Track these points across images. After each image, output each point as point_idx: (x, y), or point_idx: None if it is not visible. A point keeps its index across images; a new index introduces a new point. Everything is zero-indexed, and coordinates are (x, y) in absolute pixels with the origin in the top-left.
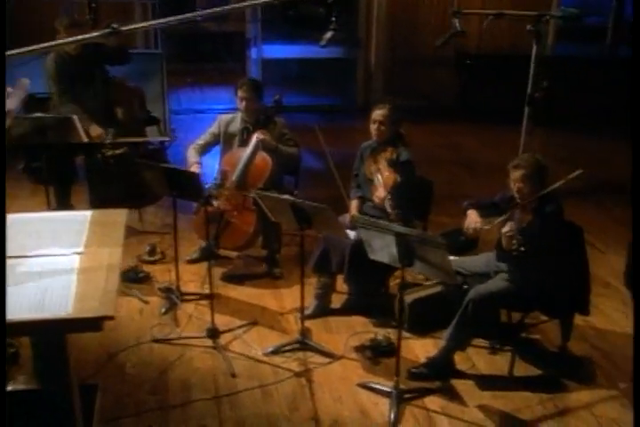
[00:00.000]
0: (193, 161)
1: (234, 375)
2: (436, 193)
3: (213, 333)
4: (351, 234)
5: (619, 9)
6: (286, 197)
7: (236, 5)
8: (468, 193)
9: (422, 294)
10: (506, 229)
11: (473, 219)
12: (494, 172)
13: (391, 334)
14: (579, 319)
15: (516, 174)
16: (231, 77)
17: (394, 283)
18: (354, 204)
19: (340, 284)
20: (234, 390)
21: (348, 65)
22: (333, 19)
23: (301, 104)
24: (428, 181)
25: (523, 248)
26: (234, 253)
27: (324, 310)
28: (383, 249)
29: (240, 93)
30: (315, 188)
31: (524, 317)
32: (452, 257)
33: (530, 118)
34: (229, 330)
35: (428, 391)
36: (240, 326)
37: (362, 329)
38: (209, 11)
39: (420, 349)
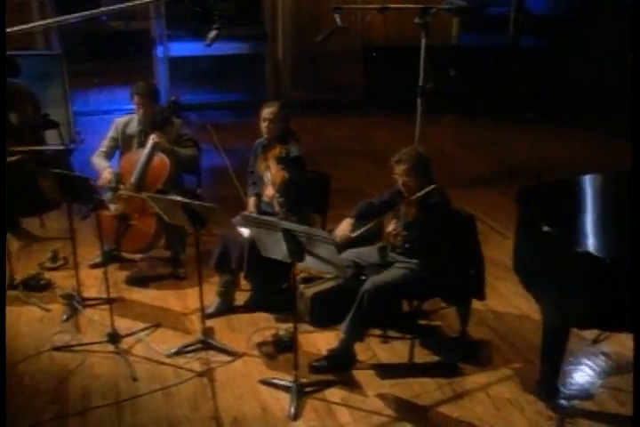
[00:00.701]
0: (103, 166)
1: (135, 379)
2: (341, 186)
3: (114, 337)
4: (245, 232)
5: (520, 0)
6: (177, 198)
7: (138, 1)
8: (374, 185)
9: (323, 287)
10: (390, 228)
11: (342, 228)
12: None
13: (291, 328)
14: (479, 304)
15: (399, 169)
16: (139, 77)
17: (299, 277)
18: (251, 201)
19: (245, 281)
20: (135, 394)
21: (257, 60)
22: (217, 18)
23: (211, 101)
24: (323, 174)
25: (407, 245)
26: (137, 256)
27: (227, 308)
28: (274, 246)
29: (135, 99)
30: (220, 185)
31: (419, 305)
32: (352, 249)
33: (425, 108)
34: (132, 333)
35: (329, 383)
36: (143, 329)
37: (265, 325)
38: (110, 8)
39: (323, 342)
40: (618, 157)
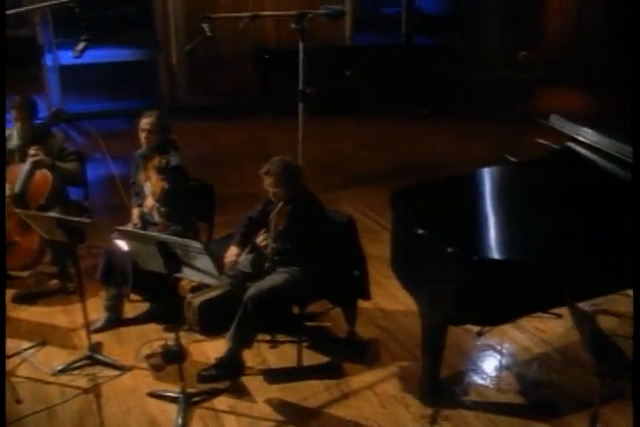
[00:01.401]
0: None
1: (19, 401)
2: (237, 190)
3: None
4: (123, 245)
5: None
6: (51, 214)
7: (22, 8)
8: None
9: (211, 295)
10: (259, 240)
11: (230, 254)
12: (305, 164)
13: (182, 338)
14: (368, 303)
15: (268, 180)
16: (32, 86)
17: (189, 286)
18: (135, 212)
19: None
20: (18, 416)
21: (151, 66)
22: (84, 28)
23: (105, 109)
24: (205, 183)
25: (276, 257)
26: (24, 273)
27: (115, 322)
28: (151, 258)
29: (12, 113)
30: (110, 196)
31: (303, 308)
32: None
33: (305, 112)
34: (16, 353)
35: (217, 392)
36: (27, 349)
37: (155, 337)
38: None
39: (213, 350)
40: (510, 148)
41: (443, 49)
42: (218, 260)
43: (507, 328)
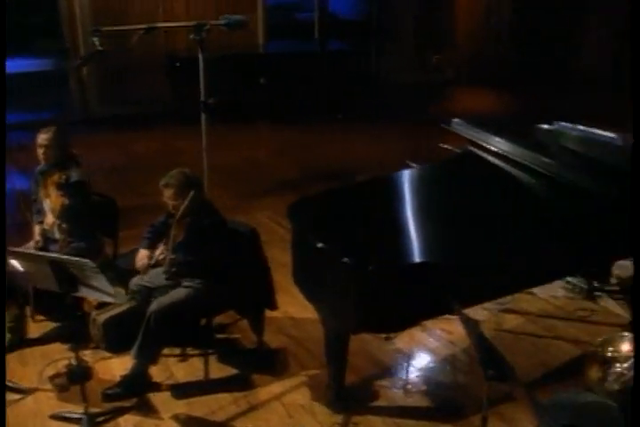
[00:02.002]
0: None
1: None
2: (151, 201)
3: None
4: (17, 265)
5: (323, 4)
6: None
7: None
8: None
9: (116, 311)
10: (157, 252)
11: (139, 258)
12: (217, 173)
13: (87, 356)
14: (278, 311)
15: (167, 193)
16: None
17: (96, 302)
18: (36, 230)
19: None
20: None
21: (61, 76)
22: None
23: (16, 121)
24: (109, 199)
25: (174, 268)
26: None
27: (18, 343)
28: (46, 278)
29: None
30: (15, 213)
31: (209, 320)
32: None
33: (209, 123)
34: None
35: (123, 410)
36: None
37: (60, 356)
38: None
39: (119, 367)
40: (424, 152)
41: (357, 53)
42: (129, 271)
43: (414, 331)
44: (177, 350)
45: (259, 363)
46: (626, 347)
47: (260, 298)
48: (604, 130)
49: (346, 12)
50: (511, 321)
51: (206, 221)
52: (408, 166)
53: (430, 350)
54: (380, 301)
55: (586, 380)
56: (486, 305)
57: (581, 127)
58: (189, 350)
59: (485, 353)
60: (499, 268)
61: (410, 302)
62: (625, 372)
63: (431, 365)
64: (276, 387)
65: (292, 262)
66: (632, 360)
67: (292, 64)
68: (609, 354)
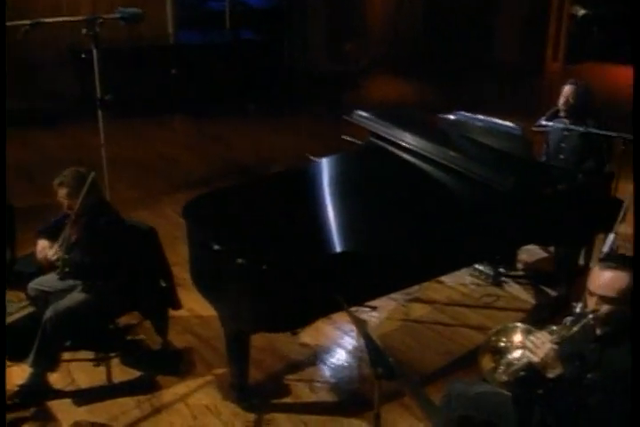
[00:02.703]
0: None
1: None
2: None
3: None
4: None
5: None
6: None
7: None
8: None
9: (13, 318)
10: (50, 252)
11: (39, 250)
12: (127, 169)
13: None
14: (184, 311)
15: (61, 193)
16: None
17: None
18: None
19: None
20: None
21: None
22: None
23: None
24: (8, 205)
25: (67, 269)
26: None
27: None
28: None
29: None
30: None
31: (114, 322)
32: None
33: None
34: None
35: (21, 420)
36: None
37: None
38: None
39: (20, 376)
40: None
41: (269, 43)
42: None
43: (321, 325)
44: (79, 355)
45: (163, 364)
46: (518, 337)
47: (161, 298)
48: (503, 119)
49: (257, 0)
50: (418, 310)
51: (102, 220)
52: (309, 160)
53: (337, 344)
54: (275, 300)
55: (479, 370)
56: (394, 296)
57: (481, 117)
58: (92, 355)
59: (374, 352)
60: (405, 258)
61: (304, 300)
62: (515, 362)
63: (338, 359)
64: (180, 388)
65: (189, 262)
66: (522, 351)
67: (202, 55)
68: (501, 344)
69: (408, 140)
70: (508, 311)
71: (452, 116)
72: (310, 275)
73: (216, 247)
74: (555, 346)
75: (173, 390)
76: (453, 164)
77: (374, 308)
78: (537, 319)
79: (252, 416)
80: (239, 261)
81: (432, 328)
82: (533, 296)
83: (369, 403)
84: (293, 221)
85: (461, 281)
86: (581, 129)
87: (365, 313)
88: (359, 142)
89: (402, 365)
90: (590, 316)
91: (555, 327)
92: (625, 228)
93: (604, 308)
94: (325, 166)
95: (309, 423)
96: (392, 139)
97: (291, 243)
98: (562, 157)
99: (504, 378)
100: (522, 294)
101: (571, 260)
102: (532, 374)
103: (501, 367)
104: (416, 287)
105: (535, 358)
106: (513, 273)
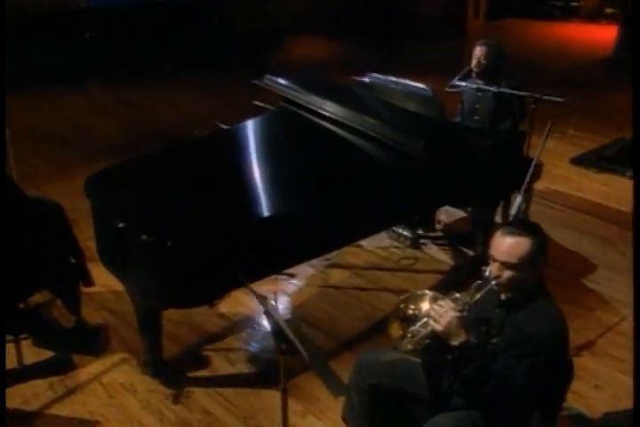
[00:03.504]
0: None
1: None
2: None
3: None
4: None
5: None
6: None
7: None
8: None
9: None
10: None
11: None
12: (39, 139)
13: None
14: (99, 286)
15: None
16: None
17: None
18: None
19: None
20: None
21: None
22: None
23: None
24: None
25: None
26: None
27: None
28: None
29: None
30: None
31: (25, 302)
32: None
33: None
34: None
35: None
36: None
37: None
38: None
39: None
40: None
41: (186, 4)
42: None
43: (240, 294)
44: None
45: (78, 343)
46: (425, 305)
47: (70, 275)
48: (425, 77)
49: None
50: (337, 276)
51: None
52: (218, 127)
53: (256, 314)
54: (181, 277)
55: (389, 337)
56: (313, 262)
57: (393, 79)
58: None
59: (277, 328)
60: (320, 224)
61: (211, 277)
62: (420, 331)
63: (256, 329)
64: (95, 367)
65: (95, 240)
66: (426, 320)
67: (116, 18)
68: (410, 312)
69: (319, 104)
70: (426, 274)
71: (364, 79)
72: (217, 249)
73: (120, 225)
74: (457, 314)
75: (88, 369)
76: (364, 128)
77: (293, 275)
78: (455, 281)
79: (168, 392)
80: (143, 237)
81: (350, 293)
82: (452, 257)
83: (288, 373)
84: (202, 191)
85: (380, 244)
86: (493, 89)
87: (284, 281)
88: (270, 108)
89: (309, 340)
90: (493, 282)
91: (458, 295)
92: (541, 184)
93: (506, 274)
94: (236, 133)
95: (228, 396)
96: (303, 103)
97: (199, 215)
98: (477, 117)
99: (410, 347)
100: (440, 256)
101: (486, 219)
102: (436, 342)
103: (408, 336)
104: (334, 253)
105: (438, 327)
106: (432, 234)
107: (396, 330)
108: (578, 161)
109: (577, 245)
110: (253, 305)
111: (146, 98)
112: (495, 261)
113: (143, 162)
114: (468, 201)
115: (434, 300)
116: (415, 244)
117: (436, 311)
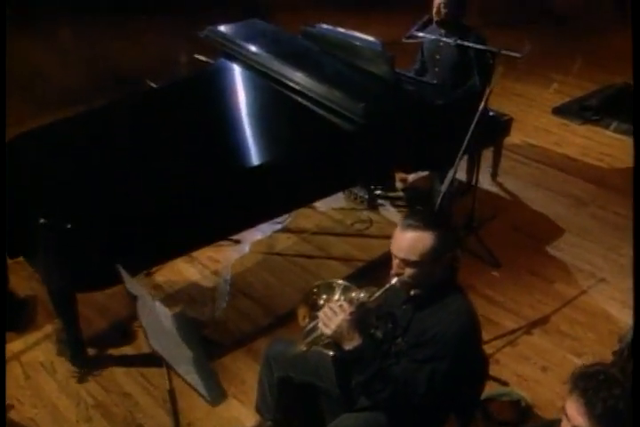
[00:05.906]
0: None
1: None
2: None
3: None
4: None
5: None
6: None
7: None
8: None
9: None
10: None
11: None
12: None
13: None
14: None
15: None
16: None
17: None
18: None
19: None
20: None
21: None
22: None
23: None
24: None
25: None
26: None
27: None
28: None
29: None
30: None
31: None
32: None
33: None
34: None
35: None
36: None
37: None
38: None
39: None
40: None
41: None
42: None
43: (178, 263)
44: None
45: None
46: (336, 296)
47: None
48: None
49: None
50: (284, 242)
51: None
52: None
53: (192, 284)
54: (83, 261)
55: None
56: (261, 227)
57: (342, 30)
58: None
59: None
60: (265, 188)
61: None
62: (315, 329)
63: (189, 302)
64: (17, 344)
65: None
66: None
67: None
68: (320, 301)
69: (261, 60)
70: (379, 239)
71: (312, 29)
72: (121, 230)
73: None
74: (348, 317)
75: (10, 346)
76: (302, 88)
77: (237, 241)
78: None
79: (87, 373)
80: (41, 221)
81: (296, 262)
82: None
83: (219, 348)
84: (113, 162)
85: (335, 205)
86: (450, 41)
87: (229, 247)
88: (211, 62)
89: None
90: (393, 280)
91: (362, 294)
92: (517, 137)
93: (408, 271)
94: (170, 91)
95: (149, 376)
96: (241, 58)
97: (106, 191)
98: (437, 69)
99: (304, 349)
100: (397, 219)
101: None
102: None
103: (306, 330)
104: (285, 216)
105: (327, 331)
106: (391, 194)
107: (302, 317)
108: (560, 111)
109: (546, 206)
110: (191, 274)
111: (106, 38)
112: (395, 257)
113: (67, 126)
114: (420, 163)
115: (345, 292)
116: (372, 205)
117: (326, 314)
